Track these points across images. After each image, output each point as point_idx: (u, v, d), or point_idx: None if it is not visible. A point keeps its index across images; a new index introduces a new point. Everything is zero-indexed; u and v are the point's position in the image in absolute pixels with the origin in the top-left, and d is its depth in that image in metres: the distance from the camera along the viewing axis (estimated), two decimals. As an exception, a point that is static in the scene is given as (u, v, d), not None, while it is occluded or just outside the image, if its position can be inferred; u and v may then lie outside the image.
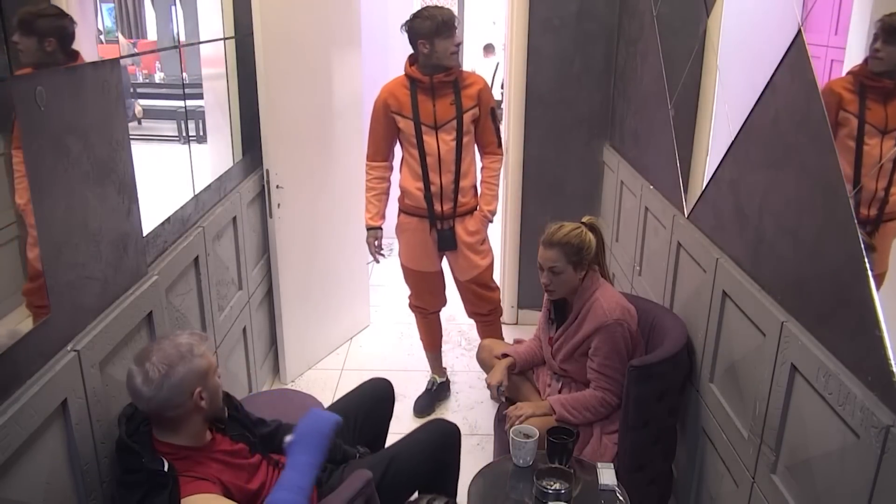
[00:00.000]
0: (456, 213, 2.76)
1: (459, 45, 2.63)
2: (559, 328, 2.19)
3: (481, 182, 2.81)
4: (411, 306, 3.05)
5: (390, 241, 5.06)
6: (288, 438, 1.70)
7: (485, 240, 2.84)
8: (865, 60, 1.34)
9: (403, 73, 2.69)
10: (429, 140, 2.67)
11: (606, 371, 2.06)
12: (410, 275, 2.95)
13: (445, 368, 3.22)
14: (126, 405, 1.53)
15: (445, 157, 2.68)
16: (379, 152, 2.79)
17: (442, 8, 2.63)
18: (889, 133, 1.29)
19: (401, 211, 2.85)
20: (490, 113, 2.72)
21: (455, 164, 2.70)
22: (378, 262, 2.96)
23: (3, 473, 1.19)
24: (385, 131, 2.74)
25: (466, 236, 2.80)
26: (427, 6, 2.71)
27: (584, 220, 2.15)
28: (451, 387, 3.20)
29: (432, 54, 2.58)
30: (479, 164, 2.85)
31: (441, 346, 3.17)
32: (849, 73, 1.39)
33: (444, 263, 2.94)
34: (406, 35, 2.62)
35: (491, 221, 2.83)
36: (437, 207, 2.74)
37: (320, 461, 1.61)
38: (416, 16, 2.60)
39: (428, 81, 2.62)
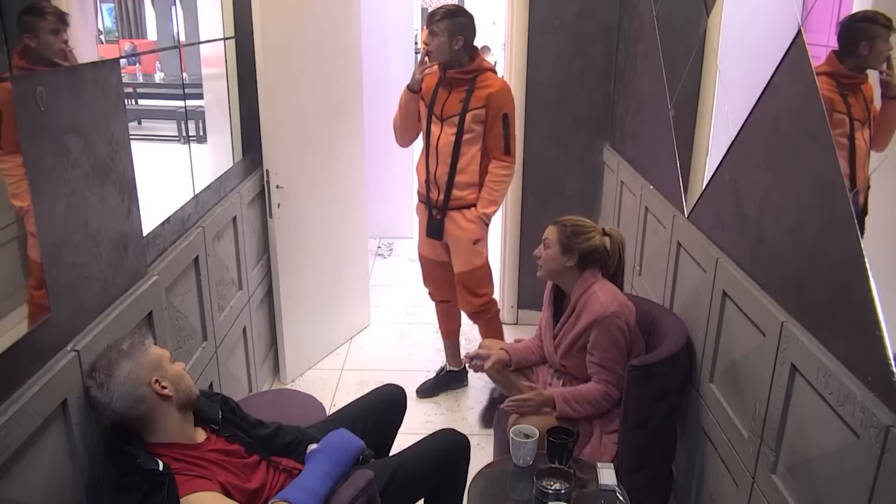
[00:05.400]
0: (448, 205, 2.81)
1: (457, 42, 2.65)
2: (558, 322, 2.19)
3: (483, 184, 2.81)
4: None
5: (390, 241, 5.10)
6: (312, 447, 1.71)
7: (477, 241, 2.84)
8: (829, 59, 1.42)
9: None
10: (434, 129, 2.78)
11: (606, 363, 2.06)
12: (419, 258, 3.10)
13: (464, 359, 3.20)
14: None
15: (443, 150, 2.76)
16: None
17: (447, 4, 2.70)
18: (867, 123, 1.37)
19: (418, 195, 2.98)
20: (502, 118, 2.72)
21: (451, 158, 2.75)
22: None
23: (3, 473, 1.19)
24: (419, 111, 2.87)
25: (456, 230, 2.83)
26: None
27: (606, 227, 2.17)
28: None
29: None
30: None
31: (456, 336, 3.21)
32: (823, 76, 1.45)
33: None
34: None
35: (487, 224, 2.84)
36: (433, 195, 2.84)
37: (338, 477, 1.62)
38: None
39: (443, 74, 2.74)
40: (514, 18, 3.34)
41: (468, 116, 2.70)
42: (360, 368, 3.38)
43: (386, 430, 2.07)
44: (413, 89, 2.78)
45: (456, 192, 2.79)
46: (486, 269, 2.93)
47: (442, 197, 2.81)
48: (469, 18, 2.71)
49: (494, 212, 2.83)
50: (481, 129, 2.73)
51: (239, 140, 2.75)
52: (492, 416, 2.93)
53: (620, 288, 2.18)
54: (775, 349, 1.58)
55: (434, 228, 2.88)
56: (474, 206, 2.80)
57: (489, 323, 2.99)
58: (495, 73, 2.78)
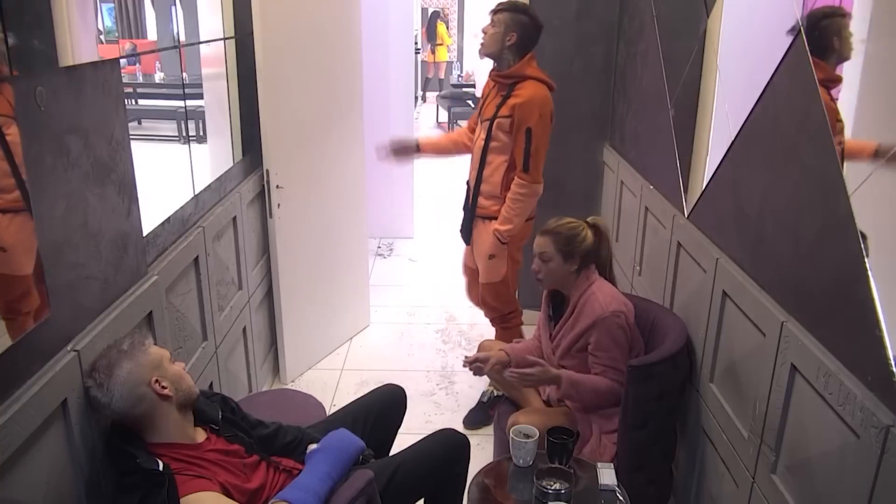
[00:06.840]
0: (475, 212, 2.77)
1: (510, 38, 2.55)
2: (557, 324, 2.19)
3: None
4: None
5: (390, 241, 5.11)
6: (312, 447, 1.71)
7: (492, 256, 2.73)
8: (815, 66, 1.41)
9: None
10: (479, 131, 2.75)
11: (612, 363, 2.05)
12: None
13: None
14: None
15: (476, 153, 2.75)
16: (473, 119, 2.90)
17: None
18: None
19: None
20: (525, 132, 2.56)
21: (479, 163, 2.71)
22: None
23: (3, 473, 1.19)
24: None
25: (477, 237, 2.81)
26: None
27: (588, 219, 2.16)
28: (451, 387, 3.21)
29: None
30: None
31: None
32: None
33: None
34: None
35: (503, 242, 2.68)
36: (469, 197, 2.81)
37: (338, 477, 1.62)
38: None
39: (491, 75, 2.72)
40: (514, 18, 3.33)
41: (495, 124, 2.61)
42: (360, 368, 3.38)
43: (386, 430, 2.07)
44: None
45: (481, 200, 2.73)
46: (501, 287, 2.80)
47: (471, 201, 2.77)
48: (532, 21, 2.57)
49: (509, 230, 2.65)
50: (508, 139, 2.60)
51: (239, 140, 2.75)
52: (476, 417, 2.94)
53: (612, 277, 2.19)
54: (775, 349, 1.58)
55: (464, 230, 2.86)
56: (496, 219, 2.70)
57: (503, 330, 2.94)
58: (542, 81, 2.61)
